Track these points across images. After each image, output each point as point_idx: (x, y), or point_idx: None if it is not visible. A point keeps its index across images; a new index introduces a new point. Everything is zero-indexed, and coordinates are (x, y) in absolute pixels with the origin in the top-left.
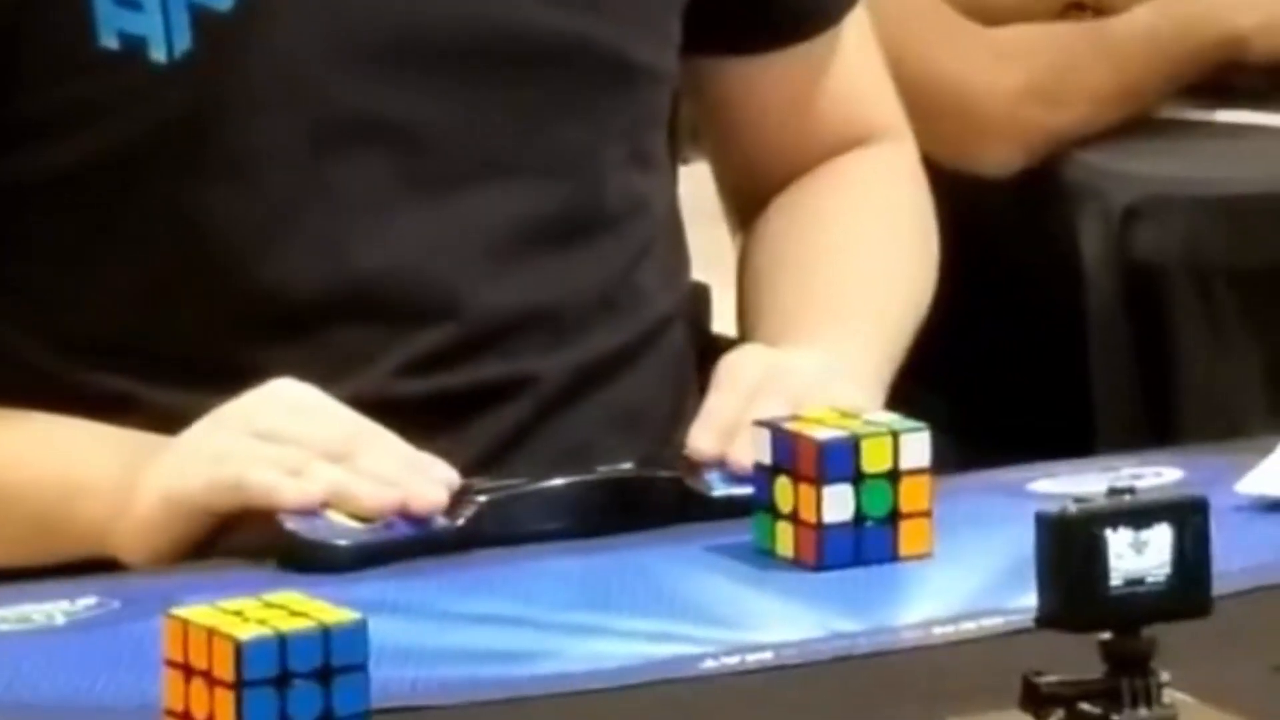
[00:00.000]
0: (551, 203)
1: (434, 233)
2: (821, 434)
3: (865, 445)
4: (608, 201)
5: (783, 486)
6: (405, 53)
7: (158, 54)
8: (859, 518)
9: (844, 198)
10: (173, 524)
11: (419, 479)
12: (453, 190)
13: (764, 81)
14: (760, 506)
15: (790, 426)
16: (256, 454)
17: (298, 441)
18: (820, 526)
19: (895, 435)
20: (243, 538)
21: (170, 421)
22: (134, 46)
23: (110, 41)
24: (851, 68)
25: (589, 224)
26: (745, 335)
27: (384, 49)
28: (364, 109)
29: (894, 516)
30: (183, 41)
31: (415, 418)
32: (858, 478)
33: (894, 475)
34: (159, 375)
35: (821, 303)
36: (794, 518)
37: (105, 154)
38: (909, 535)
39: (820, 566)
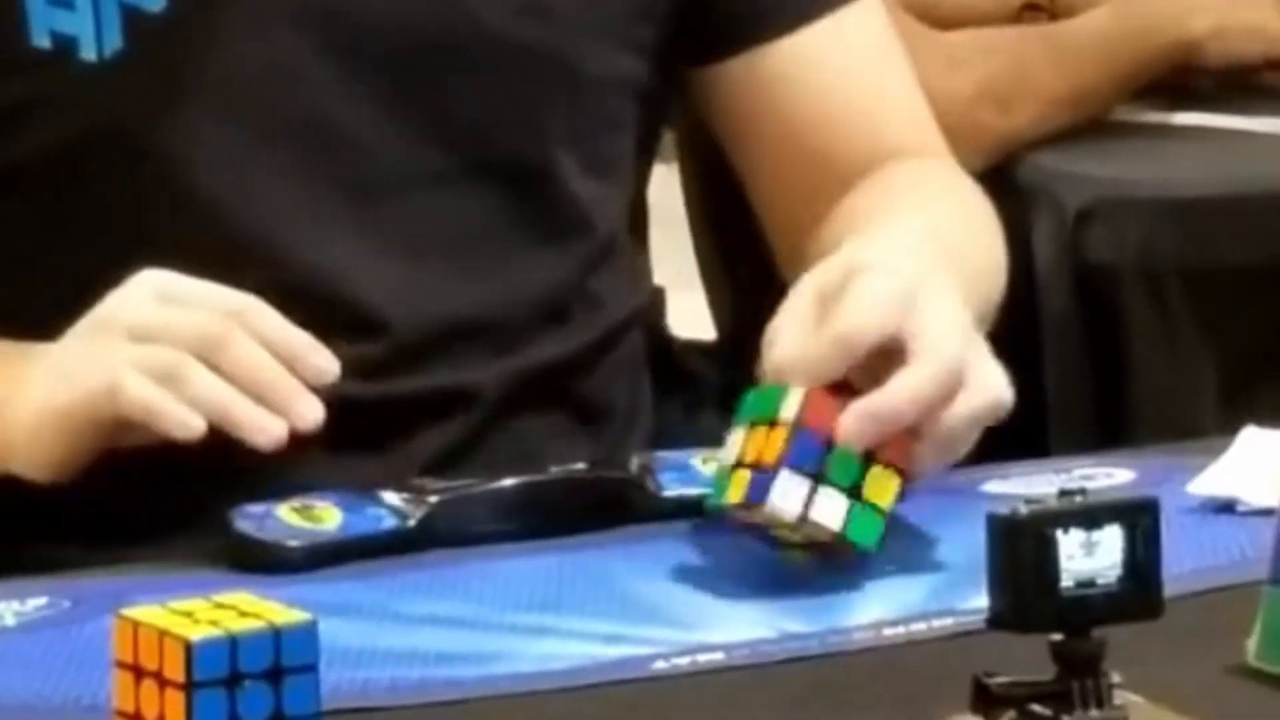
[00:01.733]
0: (494, 211)
1: (370, 241)
2: None
3: None
4: (556, 209)
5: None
6: (343, 57)
7: (88, 53)
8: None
9: (908, 185)
10: (57, 438)
11: (296, 393)
12: (390, 197)
13: (760, 83)
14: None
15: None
16: (129, 358)
17: (169, 336)
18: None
19: None
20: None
21: None
22: (65, 46)
23: (42, 41)
24: (864, 74)
25: (535, 232)
26: None
27: (321, 53)
28: (299, 113)
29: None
30: (113, 41)
31: (358, 424)
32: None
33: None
34: None
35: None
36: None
37: (37, 154)
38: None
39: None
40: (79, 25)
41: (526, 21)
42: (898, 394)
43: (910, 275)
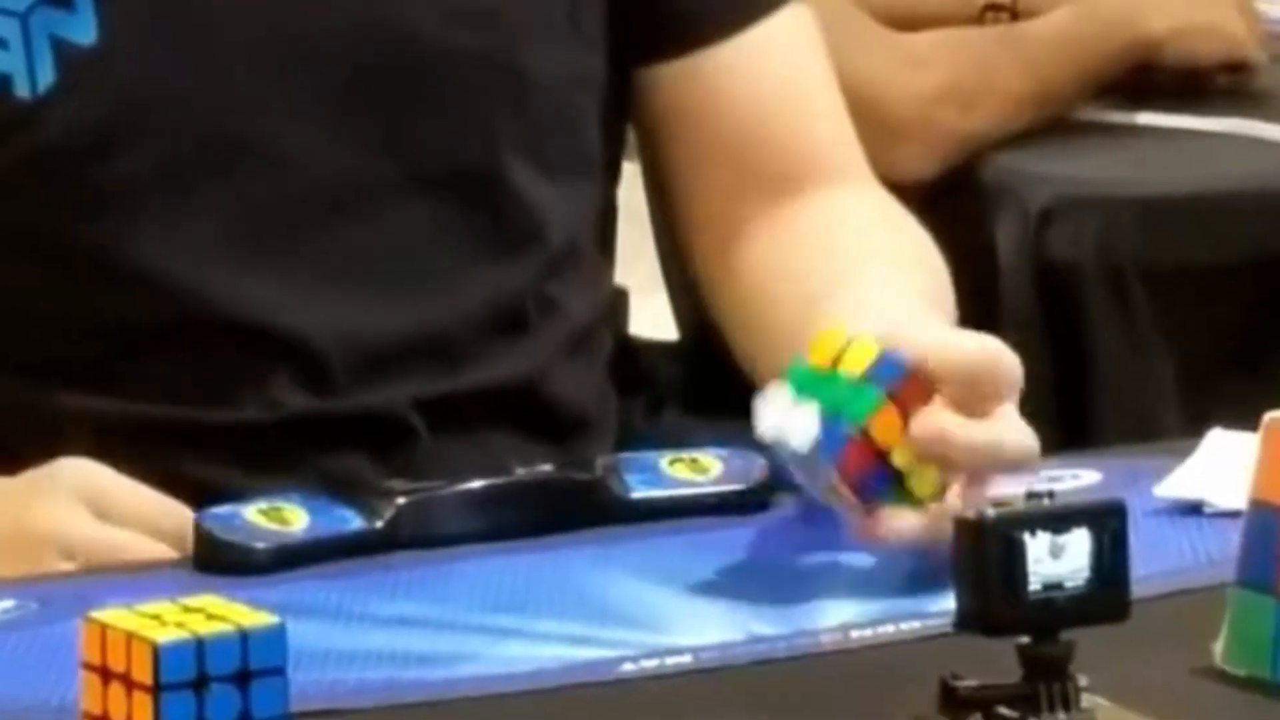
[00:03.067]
0: (441, 223)
1: (310, 262)
2: None
3: None
4: (508, 216)
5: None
6: (278, 77)
7: (22, 90)
8: None
9: (849, 219)
10: None
11: None
12: (332, 216)
13: (699, 85)
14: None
15: None
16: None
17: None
18: None
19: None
20: None
21: (44, 420)
22: (0, 84)
23: None
24: (798, 80)
25: (486, 241)
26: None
27: (256, 74)
28: (235, 135)
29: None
30: (46, 76)
31: (311, 443)
32: None
33: None
34: (35, 377)
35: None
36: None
37: None
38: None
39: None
40: (12, 63)
41: (465, 28)
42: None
43: None
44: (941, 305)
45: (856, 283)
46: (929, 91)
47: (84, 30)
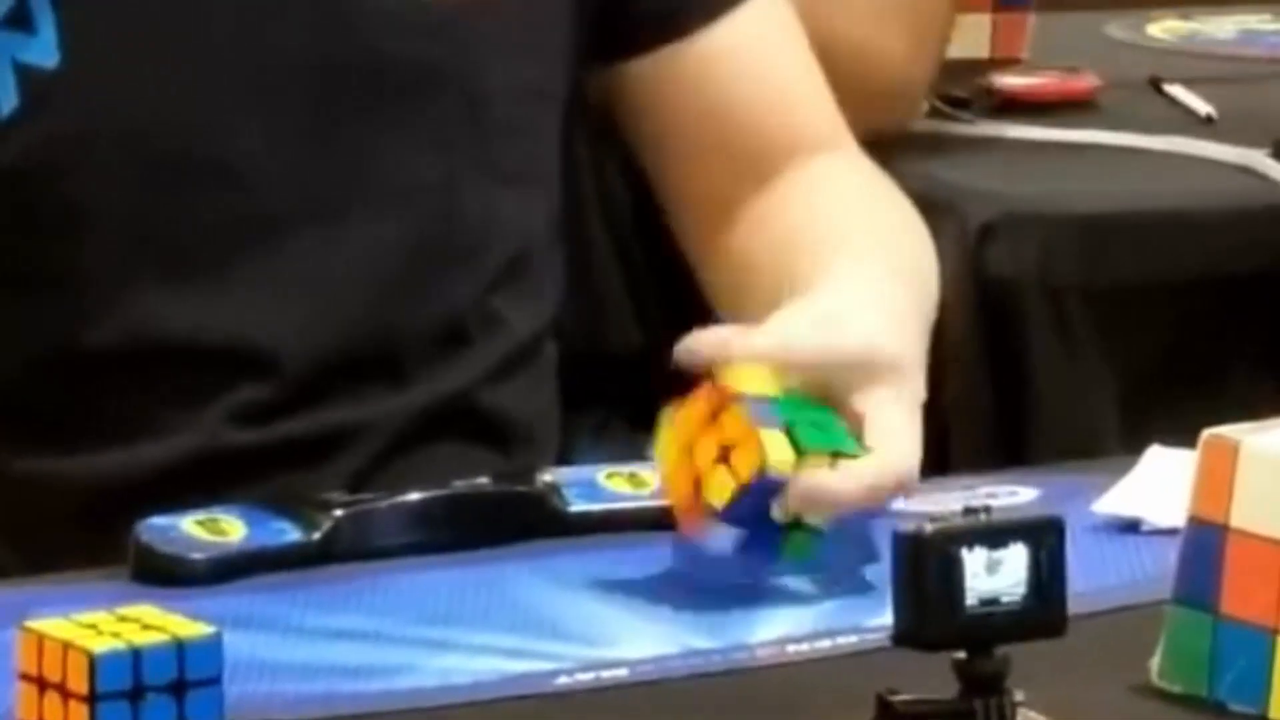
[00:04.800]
0: (392, 239)
1: (262, 279)
2: None
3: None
4: (458, 229)
5: None
6: (243, 94)
7: None
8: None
9: (851, 205)
10: None
11: None
12: (293, 231)
13: (676, 78)
14: None
15: None
16: None
17: None
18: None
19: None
20: None
21: None
22: None
23: None
24: (776, 64)
25: (435, 256)
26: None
27: (220, 91)
28: (195, 154)
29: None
30: (9, 101)
31: (253, 469)
32: None
33: None
34: None
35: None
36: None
37: None
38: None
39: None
40: None
41: (422, 42)
42: (850, 482)
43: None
44: (912, 268)
45: (825, 249)
46: (902, 47)
47: (46, 53)
